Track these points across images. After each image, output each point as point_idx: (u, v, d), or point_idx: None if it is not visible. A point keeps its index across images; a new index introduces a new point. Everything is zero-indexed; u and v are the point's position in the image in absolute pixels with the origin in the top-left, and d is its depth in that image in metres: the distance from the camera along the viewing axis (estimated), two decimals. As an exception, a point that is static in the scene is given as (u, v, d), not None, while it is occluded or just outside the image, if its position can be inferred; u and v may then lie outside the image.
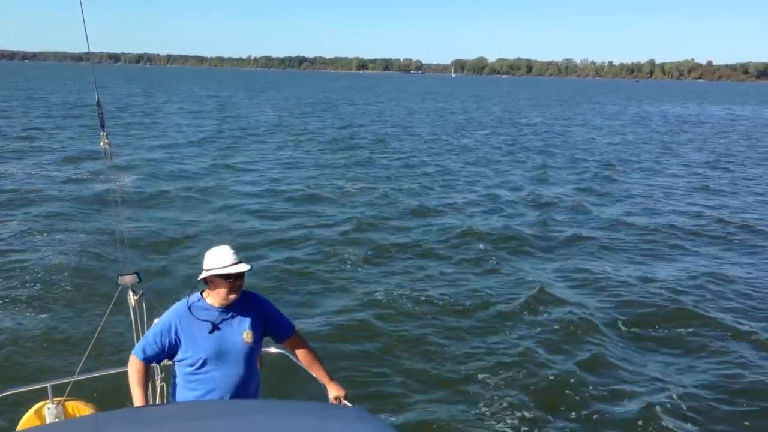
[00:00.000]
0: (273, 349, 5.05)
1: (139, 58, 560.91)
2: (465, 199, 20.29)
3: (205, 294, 4.31)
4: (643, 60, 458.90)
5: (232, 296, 4.23)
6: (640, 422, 7.44)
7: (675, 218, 18.05)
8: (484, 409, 7.65)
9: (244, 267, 4.20)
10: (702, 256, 14.46)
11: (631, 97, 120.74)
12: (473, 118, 57.89)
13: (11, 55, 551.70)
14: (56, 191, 19.44)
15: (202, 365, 4.17)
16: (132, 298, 5.16)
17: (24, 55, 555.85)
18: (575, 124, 53.74)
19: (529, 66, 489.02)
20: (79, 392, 5.04)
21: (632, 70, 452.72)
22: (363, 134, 39.46)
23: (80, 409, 4.92)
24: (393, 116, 57.01)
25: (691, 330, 10.26)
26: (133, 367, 4.21)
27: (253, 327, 4.31)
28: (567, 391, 8.18)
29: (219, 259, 4.21)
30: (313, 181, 22.90)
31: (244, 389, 4.25)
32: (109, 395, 5.57)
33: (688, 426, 7.44)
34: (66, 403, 4.89)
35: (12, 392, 4.81)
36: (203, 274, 4.21)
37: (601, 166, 28.39)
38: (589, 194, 21.71)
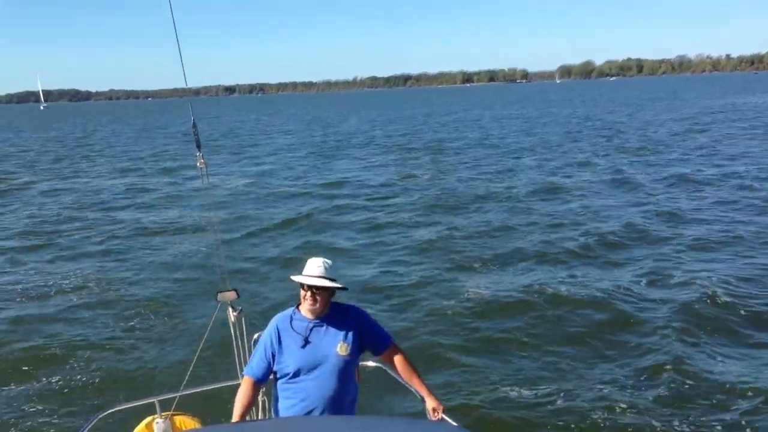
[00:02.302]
0: (370, 363, 5.01)
1: (252, 89, 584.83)
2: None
3: (300, 307, 4.40)
4: (763, 51, 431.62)
5: (308, 306, 4.28)
6: None
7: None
8: None
9: (319, 281, 4.23)
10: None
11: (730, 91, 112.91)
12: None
13: (136, 96, 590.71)
14: (157, 210, 20.69)
15: (295, 375, 4.23)
16: (231, 315, 5.26)
17: (147, 95, 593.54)
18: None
19: (639, 66, 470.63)
20: (185, 406, 5.18)
21: (752, 61, 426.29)
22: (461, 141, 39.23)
23: (187, 422, 5.05)
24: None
25: None
26: (244, 386, 4.33)
27: (348, 339, 4.31)
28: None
29: (307, 268, 4.33)
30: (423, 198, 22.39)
31: (338, 401, 4.24)
32: (214, 409, 5.72)
33: None
34: (173, 417, 5.04)
35: (122, 407, 5.02)
36: (293, 278, 4.35)
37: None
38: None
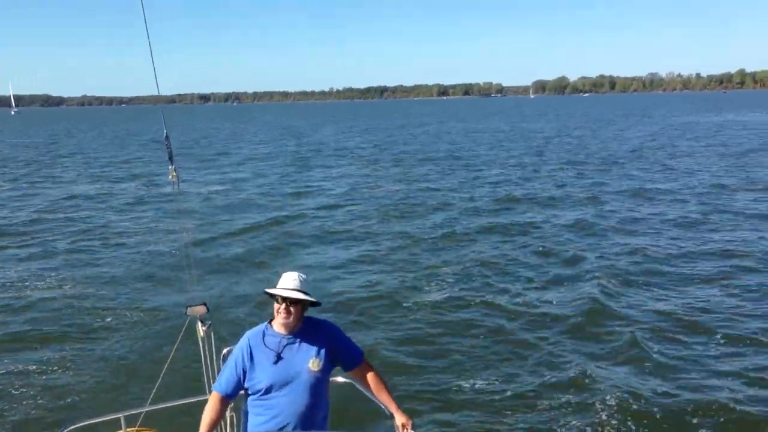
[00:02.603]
0: (340, 378, 4.99)
1: (227, 97, 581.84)
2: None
3: (273, 322, 4.38)
4: (733, 70, 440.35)
5: (281, 319, 4.27)
6: None
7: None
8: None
9: (294, 294, 4.24)
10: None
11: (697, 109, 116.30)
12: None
13: (110, 101, 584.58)
14: (126, 222, 20.41)
15: (267, 392, 4.21)
16: (201, 329, 5.22)
17: (121, 101, 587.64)
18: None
19: (612, 83, 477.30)
20: (151, 422, 5.13)
21: (722, 80, 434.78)
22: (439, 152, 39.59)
23: None
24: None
25: None
26: (212, 401, 4.29)
27: (320, 355, 4.30)
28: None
29: (282, 281, 4.35)
30: (385, 207, 22.91)
31: (310, 418, 4.23)
32: (180, 425, 5.62)
33: None
34: None
35: (87, 423, 4.93)
36: (265, 291, 4.38)
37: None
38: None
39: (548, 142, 52.31)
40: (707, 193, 24.21)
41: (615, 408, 8.02)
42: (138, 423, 5.01)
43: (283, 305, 4.26)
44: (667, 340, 10.11)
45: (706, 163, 33.66)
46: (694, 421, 7.72)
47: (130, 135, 76.84)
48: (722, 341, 10.05)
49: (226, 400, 4.32)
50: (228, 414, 4.95)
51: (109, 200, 25.75)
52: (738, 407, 7.91)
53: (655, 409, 7.97)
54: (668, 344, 9.98)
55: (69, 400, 8.55)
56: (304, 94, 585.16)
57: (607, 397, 8.26)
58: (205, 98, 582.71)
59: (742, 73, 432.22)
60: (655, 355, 9.53)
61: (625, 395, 8.30)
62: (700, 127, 64.79)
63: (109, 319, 11.52)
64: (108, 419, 4.92)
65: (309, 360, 4.25)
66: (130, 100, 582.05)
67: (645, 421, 7.74)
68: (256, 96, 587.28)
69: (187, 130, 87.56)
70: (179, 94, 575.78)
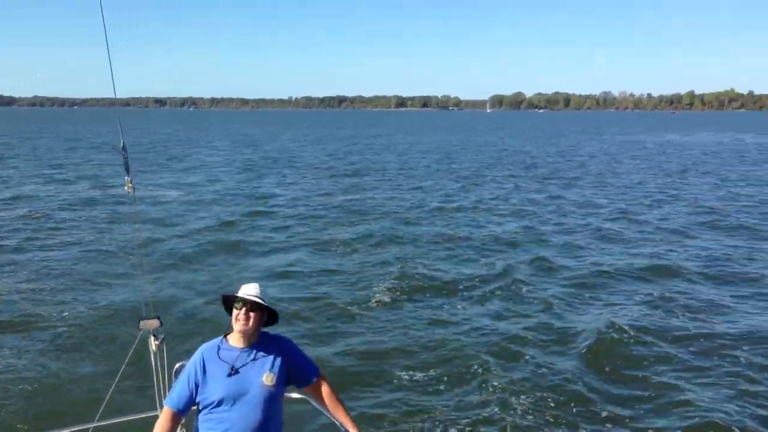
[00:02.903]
0: (294, 395, 4.94)
1: (184, 102, 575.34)
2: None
3: (228, 336, 4.35)
4: (683, 91, 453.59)
5: (239, 326, 4.24)
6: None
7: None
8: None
9: (254, 297, 4.25)
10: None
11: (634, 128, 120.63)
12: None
13: (62, 103, 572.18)
14: (78, 233, 19.74)
15: (218, 405, 4.14)
16: (153, 343, 5.12)
17: (74, 102, 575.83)
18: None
19: (567, 100, 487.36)
20: None
21: (672, 101, 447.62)
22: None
23: None
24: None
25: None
26: (163, 417, 4.20)
27: (275, 369, 4.26)
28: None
29: (241, 290, 4.34)
30: (335, 219, 23.09)
31: None
32: (129, 442, 5.52)
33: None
34: None
35: None
36: (224, 296, 4.37)
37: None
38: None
39: (498, 155, 54.02)
40: (630, 207, 25.53)
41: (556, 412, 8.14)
42: None
43: (243, 310, 4.24)
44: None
45: (640, 179, 35.41)
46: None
47: (83, 137, 75.06)
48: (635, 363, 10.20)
49: (177, 415, 4.21)
50: (179, 431, 4.87)
51: (60, 205, 25.07)
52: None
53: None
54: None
55: (11, 413, 8.27)
56: (263, 102, 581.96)
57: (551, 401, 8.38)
58: (161, 102, 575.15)
59: (691, 95, 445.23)
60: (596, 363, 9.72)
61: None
62: (642, 145, 67.75)
63: (58, 330, 11.20)
64: None
65: (263, 374, 4.21)
66: (84, 102, 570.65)
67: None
68: (214, 102, 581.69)
69: (142, 133, 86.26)
70: (134, 98, 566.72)
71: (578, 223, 22.17)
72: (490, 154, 54.36)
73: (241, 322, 4.24)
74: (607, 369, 9.77)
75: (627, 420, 8.20)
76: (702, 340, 10.94)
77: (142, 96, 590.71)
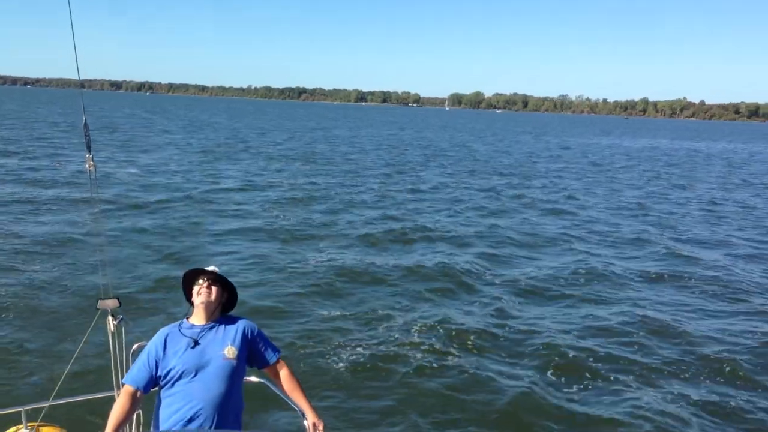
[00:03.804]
0: (253, 378, 4.96)
1: (140, 86, 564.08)
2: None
3: (189, 318, 4.39)
4: (637, 98, 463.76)
5: (201, 298, 4.34)
6: None
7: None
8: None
9: (212, 268, 4.42)
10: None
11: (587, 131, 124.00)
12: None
13: (14, 81, 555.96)
14: (37, 212, 19.35)
15: (180, 377, 4.13)
16: (111, 323, 5.07)
17: (26, 81, 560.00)
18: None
19: (525, 101, 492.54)
20: (53, 418, 4.94)
21: (626, 107, 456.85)
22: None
23: None
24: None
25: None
26: (123, 396, 4.13)
27: (236, 343, 4.29)
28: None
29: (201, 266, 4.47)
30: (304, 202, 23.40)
31: (223, 408, 4.13)
32: (84, 421, 5.46)
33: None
34: (40, 428, 4.79)
35: None
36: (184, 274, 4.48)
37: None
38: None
39: (442, 151, 55.57)
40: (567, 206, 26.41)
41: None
42: (40, 418, 4.81)
43: (205, 282, 4.35)
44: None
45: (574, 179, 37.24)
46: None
47: (39, 117, 73.25)
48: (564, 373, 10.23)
49: (137, 394, 4.15)
50: (136, 411, 4.83)
51: (16, 181, 24.53)
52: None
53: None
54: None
55: None
56: (222, 90, 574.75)
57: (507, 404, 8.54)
58: (116, 85, 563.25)
59: (645, 102, 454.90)
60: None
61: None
62: (585, 148, 69.61)
63: (13, 308, 10.97)
64: (6, 413, 4.72)
65: (224, 347, 4.24)
66: (36, 82, 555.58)
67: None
68: (172, 87, 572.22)
69: (98, 116, 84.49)
70: (89, 80, 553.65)
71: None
72: (434, 150, 55.32)
73: (204, 294, 4.32)
74: (551, 374, 9.83)
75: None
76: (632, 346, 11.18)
77: (97, 78, 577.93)
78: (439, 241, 18.21)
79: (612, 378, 9.53)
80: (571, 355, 10.14)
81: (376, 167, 38.80)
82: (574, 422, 8.15)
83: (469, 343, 10.57)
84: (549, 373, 9.61)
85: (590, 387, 9.23)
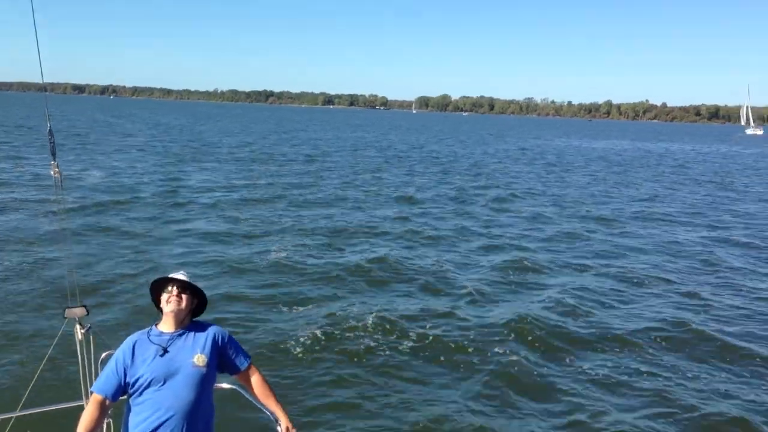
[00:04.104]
0: (225, 385, 4.94)
1: (104, 90, 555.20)
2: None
3: (158, 325, 4.35)
4: (601, 101, 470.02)
5: (170, 307, 4.30)
6: None
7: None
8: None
9: (182, 275, 4.37)
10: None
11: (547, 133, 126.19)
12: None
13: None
14: (2, 217, 19.10)
15: (149, 386, 4.10)
16: (79, 332, 5.03)
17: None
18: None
19: (491, 104, 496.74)
20: (21, 429, 4.88)
21: (590, 110, 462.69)
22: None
23: None
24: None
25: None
26: (91, 405, 4.09)
27: (206, 351, 4.27)
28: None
29: (169, 274, 4.42)
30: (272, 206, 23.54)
31: (192, 416, 4.12)
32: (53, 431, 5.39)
33: None
34: None
35: None
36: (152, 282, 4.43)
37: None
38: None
39: (402, 153, 57.35)
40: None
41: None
42: (8, 429, 4.76)
43: (175, 290, 4.31)
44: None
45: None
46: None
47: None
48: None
49: (105, 403, 4.12)
50: (106, 421, 4.79)
51: None
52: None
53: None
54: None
55: None
56: (187, 93, 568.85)
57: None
58: (79, 89, 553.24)
59: (608, 104, 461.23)
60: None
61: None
62: (542, 149, 72.14)
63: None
64: None
65: (194, 354, 4.21)
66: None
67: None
68: (136, 91, 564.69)
69: (59, 119, 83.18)
70: (52, 83, 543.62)
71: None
72: (394, 152, 56.67)
73: (173, 302, 4.28)
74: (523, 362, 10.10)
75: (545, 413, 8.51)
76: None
77: (60, 82, 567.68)
78: (390, 238, 19.28)
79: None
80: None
81: (338, 168, 39.88)
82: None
83: (411, 335, 10.98)
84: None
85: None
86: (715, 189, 37.30)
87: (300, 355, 9.90)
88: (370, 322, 11.42)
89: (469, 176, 38.80)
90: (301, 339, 10.47)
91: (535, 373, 9.70)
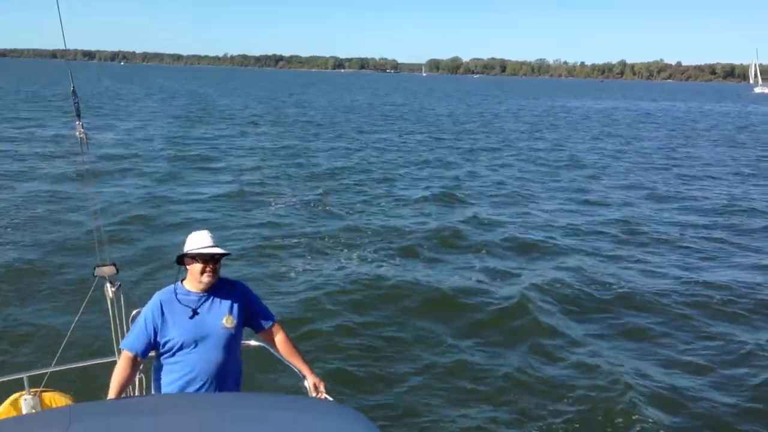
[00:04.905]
0: (253, 342, 5.01)
1: (114, 56, 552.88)
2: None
3: (184, 282, 4.35)
4: (615, 61, 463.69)
5: (206, 278, 4.25)
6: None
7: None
8: (461, 409, 7.62)
9: (218, 250, 4.24)
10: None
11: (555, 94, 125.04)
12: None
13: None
14: (30, 181, 19.41)
15: (180, 348, 4.17)
16: (109, 290, 5.10)
17: (2, 53, 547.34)
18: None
19: (503, 66, 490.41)
20: (55, 383, 4.99)
21: (603, 70, 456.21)
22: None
23: (57, 400, 4.87)
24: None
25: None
26: (123, 361, 4.17)
27: (234, 313, 4.30)
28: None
29: (196, 241, 4.28)
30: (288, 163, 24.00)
31: (222, 375, 4.22)
32: (86, 387, 5.51)
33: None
34: (42, 394, 4.84)
35: None
36: (181, 254, 4.29)
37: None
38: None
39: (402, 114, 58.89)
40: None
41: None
42: (42, 384, 4.86)
43: (210, 265, 4.23)
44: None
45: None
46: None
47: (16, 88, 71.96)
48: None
49: (136, 359, 4.19)
50: (138, 376, 4.88)
51: (8, 161, 24.08)
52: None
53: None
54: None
55: None
56: (197, 58, 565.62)
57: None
58: (89, 55, 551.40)
59: (622, 65, 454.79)
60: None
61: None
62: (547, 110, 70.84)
63: (12, 277, 11.04)
64: (9, 379, 4.75)
65: (222, 316, 4.25)
66: (9, 53, 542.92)
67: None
68: (146, 57, 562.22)
69: (84, 85, 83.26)
70: (60, 50, 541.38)
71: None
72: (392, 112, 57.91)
73: (208, 274, 4.24)
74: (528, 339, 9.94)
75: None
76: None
77: (70, 48, 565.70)
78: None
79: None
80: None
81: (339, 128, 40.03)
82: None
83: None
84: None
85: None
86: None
87: (323, 318, 9.97)
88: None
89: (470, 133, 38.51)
90: (329, 299, 10.59)
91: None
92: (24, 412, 4.66)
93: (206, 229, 4.44)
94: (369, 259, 13.14)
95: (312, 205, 17.86)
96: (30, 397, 4.74)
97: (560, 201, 19.92)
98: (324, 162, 25.74)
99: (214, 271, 4.27)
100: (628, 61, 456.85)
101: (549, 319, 10.29)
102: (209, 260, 4.24)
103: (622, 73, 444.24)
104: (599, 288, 11.80)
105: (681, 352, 9.28)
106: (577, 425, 7.18)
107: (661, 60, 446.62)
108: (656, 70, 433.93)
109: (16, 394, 4.77)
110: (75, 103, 5.60)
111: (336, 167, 24.68)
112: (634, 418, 7.28)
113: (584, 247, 14.61)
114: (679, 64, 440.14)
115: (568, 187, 22.40)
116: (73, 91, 5.60)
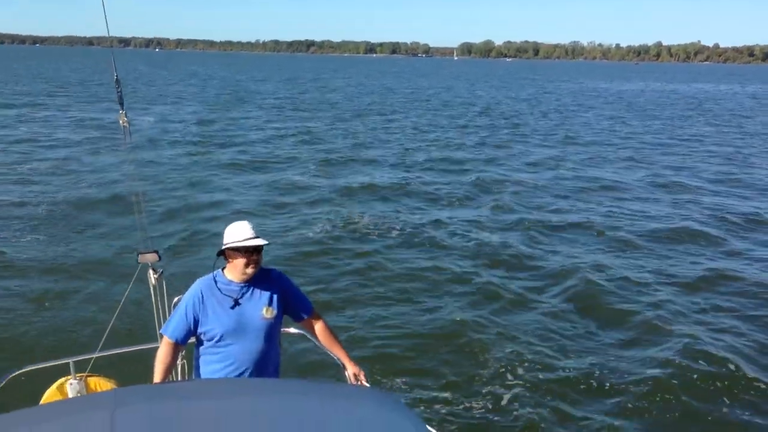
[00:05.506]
0: (293, 330, 5.03)
1: (149, 43, 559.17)
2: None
3: (225, 271, 4.32)
4: (651, 42, 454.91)
5: (250, 270, 4.22)
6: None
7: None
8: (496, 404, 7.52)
9: (260, 241, 4.20)
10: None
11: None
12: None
13: (23, 40, 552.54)
14: (74, 169, 19.67)
15: (221, 339, 4.18)
16: (152, 276, 5.15)
17: (35, 40, 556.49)
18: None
19: (536, 49, 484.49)
20: (100, 369, 5.06)
21: (639, 52, 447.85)
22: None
23: (101, 384, 4.94)
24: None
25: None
26: (163, 347, 4.22)
27: (273, 303, 4.29)
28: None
29: (237, 233, 4.23)
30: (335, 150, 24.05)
31: (263, 365, 4.24)
32: (130, 372, 5.57)
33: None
34: (88, 378, 4.91)
35: (34, 367, 4.82)
36: (222, 248, 4.26)
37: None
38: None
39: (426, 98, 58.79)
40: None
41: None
42: (87, 369, 4.94)
43: (254, 256, 4.22)
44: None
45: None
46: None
47: (60, 76, 73.13)
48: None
49: (177, 346, 4.24)
50: (179, 362, 4.93)
51: (53, 151, 24.26)
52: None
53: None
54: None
55: (15, 345, 8.30)
56: (230, 44, 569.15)
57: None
58: (125, 42, 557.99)
59: (658, 46, 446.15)
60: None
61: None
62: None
63: (57, 265, 11.20)
64: (56, 364, 4.84)
65: (262, 307, 4.25)
66: (45, 40, 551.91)
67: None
68: (180, 43, 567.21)
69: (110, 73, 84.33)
70: (97, 37, 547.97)
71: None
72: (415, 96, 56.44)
73: (252, 266, 4.21)
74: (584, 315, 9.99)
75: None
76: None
77: (105, 35, 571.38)
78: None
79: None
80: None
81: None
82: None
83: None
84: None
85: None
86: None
87: (366, 305, 9.98)
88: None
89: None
90: (370, 288, 10.60)
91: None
92: (69, 396, 4.75)
93: (245, 219, 4.42)
94: (417, 248, 13.07)
95: (350, 193, 17.89)
96: (75, 381, 4.82)
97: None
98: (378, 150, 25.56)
99: (257, 262, 4.25)
100: (665, 43, 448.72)
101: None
102: (252, 252, 4.22)
103: (658, 55, 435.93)
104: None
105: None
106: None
107: (699, 41, 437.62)
108: (693, 52, 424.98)
109: (62, 379, 4.86)
110: (118, 92, 5.65)
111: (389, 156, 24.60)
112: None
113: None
114: (716, 45, 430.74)
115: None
116: (117, 80, 5.64)
